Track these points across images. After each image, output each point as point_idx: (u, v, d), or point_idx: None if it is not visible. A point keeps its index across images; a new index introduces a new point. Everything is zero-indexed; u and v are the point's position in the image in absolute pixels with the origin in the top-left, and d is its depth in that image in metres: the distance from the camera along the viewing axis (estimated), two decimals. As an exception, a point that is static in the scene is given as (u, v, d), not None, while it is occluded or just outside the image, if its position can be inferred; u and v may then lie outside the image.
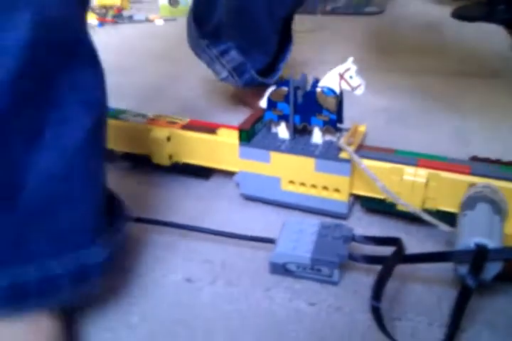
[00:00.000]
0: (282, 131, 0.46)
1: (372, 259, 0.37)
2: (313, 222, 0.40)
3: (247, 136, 0.45)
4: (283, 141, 0.46)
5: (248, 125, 0.45)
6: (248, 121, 0.46)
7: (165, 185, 0.52)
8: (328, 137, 0.45)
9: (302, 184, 0.46)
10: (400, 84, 0.79)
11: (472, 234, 0.35)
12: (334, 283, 0.38)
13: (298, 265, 0.38)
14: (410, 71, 0.85)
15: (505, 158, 0.45)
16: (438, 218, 0.43)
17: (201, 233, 0.42)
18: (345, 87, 0.42)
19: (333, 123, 0.43)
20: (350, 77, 0.42)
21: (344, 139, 0.43)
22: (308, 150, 0.44)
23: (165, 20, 1.30)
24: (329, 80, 0.43)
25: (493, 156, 0.46)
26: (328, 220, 0.41)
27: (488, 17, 1.08)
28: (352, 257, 0.37)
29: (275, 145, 0.45)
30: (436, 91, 0.76)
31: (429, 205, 0.43)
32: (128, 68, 0.87)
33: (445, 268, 0.38)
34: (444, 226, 0.39)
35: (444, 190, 0.42)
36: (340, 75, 0.42)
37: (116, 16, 1.32)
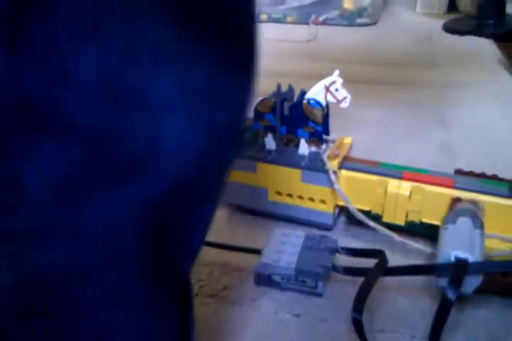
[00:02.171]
0: (269, 141, 0.46)
1: (355, 271, 0.37)
2: (298, 234, 0.41)
3: None
4: (270, 151, 0.46)
5: None
6: None
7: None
8: (315, 148, 0.46)
9: (289, 195, 0.46)
10: (389, 96, 0.80)
11: (452, 248, 0.36)
12: (319, 295, 0.38)
13: (283, 276, 0.38)
14: (400, 83, 0.87)
15: (490, 172, 0.46)
16: (422, 230, 0.44)
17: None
18: (330, 99, 0.43)
19: (319, 135, 0.44)
20: (336, 90, 0.43)
21: (330, 151, 0.44)
22: (294, 162, 0.44)
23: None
24: (315, 92, 0.43)
25: (477, 169, 0.47)
26: (313, 232, 0.42)
27: (478, 31, 1.10)
28: (336, 269, 0.38)
29: (262, 155, 0.45)
30: (426, 104, 0.77)
31: (413, 217, 0.44)
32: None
33: (428, 280, 0.39)
34: (396, 236, 0.40)
35: (428, 202, 0.43)
36: (326, 88, 0.43)
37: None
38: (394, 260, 0.38)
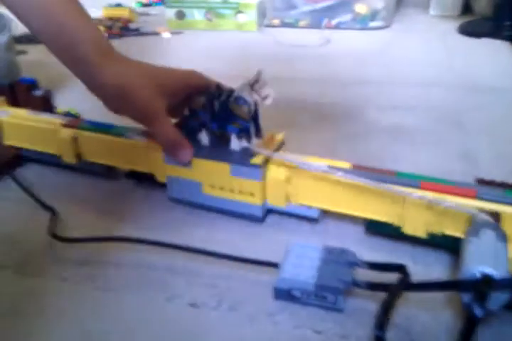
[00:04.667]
0: (203, 137, 0.49)
1: (376, 286, 0.37)
2: (316, 247, 0.40)
3: None
4: (204, 147, 0.49)
5: None
6: None
7: (169, 204, 0.52)
8: (245, 144, 0.48)
9: (221, 188, 0.49)
10: (406, 100, 0.79)
11: (477, 263, 0.35)
12: (339, 310, 0.37)
13: (302, 291, 0.37)
14: (417, 86, 0.85)
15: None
16: (444, 243, 0.43)
17: (203, 255, 0.42)
18: (255, 97, 0.46)
19: (247, 131, 0.47)
20: (260, 88, 0.46)
21: (256, 145, 0.47)
22: (223, 156, 0.47)
23: (172, 33, 1.31)
24: (241, 90, 0.46)
25: (499, 178, 0.46)
26: (332, 245, 0.41)
27: (494, 33, 1.09)
28: (356, 284, 0.37)
29: (195, 151, 0.48)
30: (445, 109, 0.76)
31: (435, 229, 0.43)
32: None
33: (453, 295, 0.38)
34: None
35: (449, 214, 0.42)
36: (250, 86, 0.45)
37: (123, 29, 1.33)
38: (415, 272, 0.37)
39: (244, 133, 0.47)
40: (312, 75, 0.94)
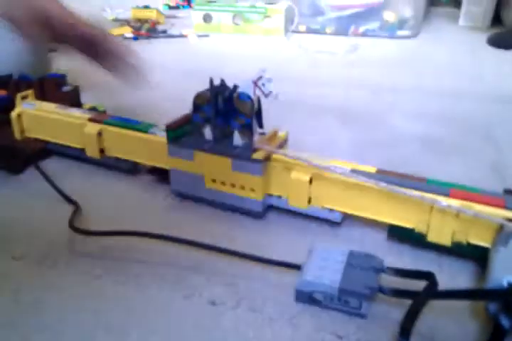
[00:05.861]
0: (207, 132, 0.49)
1: (402, 293, 0.36)
2: (341, 250, 0.40)
3: (174, 135, 0.50)
4: (207, 141, 0.49)
5: (175, 125, 0.50)
6: (175, 122, 0.50)
7: (190, 201, 0.52)
8: (247, 140, 0.48)
9: (223, 183, 0.49)
10: (434, 110, 0.78)
11: (505, 272, 0.34)
12: (363, 316, 0.36)
13: (325, 295, 0.37)
14: (444, 96, 0.84)
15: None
16: (469, 252, 0.42)
17: (225, 254, 0.42)
18: (258, 93, 0.46)
19: (249, 127, 0.47)
20: (263, 85, 0.46)
21: (257, 141, 0.47)
22: (226, 151, 0.48)
23: (198, 35, 1.31)
24: (245, 87, 0.46)
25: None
26: (357, 249, 0.40)
27: (524, 45, 1.07)
28: (382, 290, 0.36)
29: (198, 144, 0.49)
30: (473, 119, 0.74)
31: (460, 237, 0.42)
32: (159, 82, 0.88)
33: (479, 304, 0.37)
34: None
35: (477, 222, 0.41)
36: (254, 82, 0.46)
37: (151, 30, 1.34)
38: (442, 282, 0.36)
39: (246, 128, 0.48)
40: (337, 80, 0.93)
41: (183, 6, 1.74)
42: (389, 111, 0.78)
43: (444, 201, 0.41)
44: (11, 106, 0.61)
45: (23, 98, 0.62)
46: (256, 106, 0.47)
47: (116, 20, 1.48)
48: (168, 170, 0.52)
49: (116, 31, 1.31)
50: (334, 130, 0.71)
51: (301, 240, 0.46)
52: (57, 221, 0.48)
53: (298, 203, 0.48)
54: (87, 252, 0.45)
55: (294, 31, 1.34)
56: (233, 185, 0.49)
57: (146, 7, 1.54)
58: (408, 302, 0.35)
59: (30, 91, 0.63)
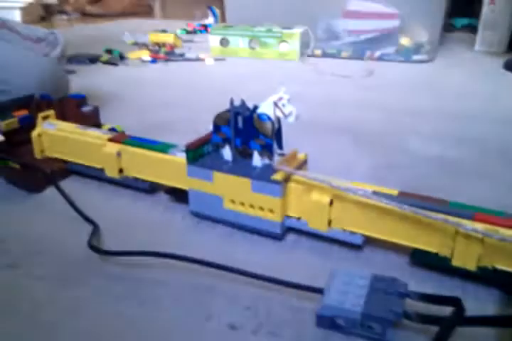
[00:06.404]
0: (226, 152, 0.49)
1: (429, 319, 0.35)
2: (364, 274, 0.39)
3: (193, 155, 0.49)
4: (226, 162, 0.49)
5: (194, 146, 0.49)
6: (195, 142, 0.50)
7: (209, 222, 0.52)
8: (268, 160, 0.48)
9: (241, 203, 0.49)
10: (451, 132, 0.78)
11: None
12: (386, 343, 0.35)
13: (347, 320, 0.36)
14: (461, 119, 0.84)
15: None
16: (496, 278, 0.41)
17: (244, 276, 0.41)
18: (279, 113, 0.46)
19: (269, 148, 0.47)
20: (283, 105, 0.46)
21: (277, 163, 0.47)
22: (245, 172, 0.47)
23: (215, 59, 1.33)
24: (265, 107, 0.46)
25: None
26: (379, 273, 0.39)
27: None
28: (407, 315, 0.35)
29: (218, 165, 0.48)
30: (491, 142, 0.74)
31: (486, 262, 0.41)
32: (176, 102, 0.89)
33: (507, 332, 0.36)
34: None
35: (503, 247, 0.40)
36: (274, 103, 0.46)
37: (169, 53, 1.36)
38: (468, 309, 0.35)
39: (266, 149, 0.48)
40: (354, 102, 0.93)
41: (200, 31, 1.77)
42: (406, 133, 0.77)
43: (468, 225, 0.40)
44: (32, 125, 0.62)
45: (44, 118, 0.62)
46: (276, 126, 0.47)
47: (135, 43, 1.51)
48: (187, 191, 0.52)
49: (134, 54, 1.33)
50: (352, 152, 0.70)
51: (322, 263, 0.45)
52: (77, 240, 0.48)
53: (318, 225, 0.47)
54: (106, 272, 0.44)
55: (309, 55, 1.35)
56: (252, 206, 0.49)
57: (164, 31, 1.57)
58: (434, 328, 0.34)
59: (51, 112, 0.63)
